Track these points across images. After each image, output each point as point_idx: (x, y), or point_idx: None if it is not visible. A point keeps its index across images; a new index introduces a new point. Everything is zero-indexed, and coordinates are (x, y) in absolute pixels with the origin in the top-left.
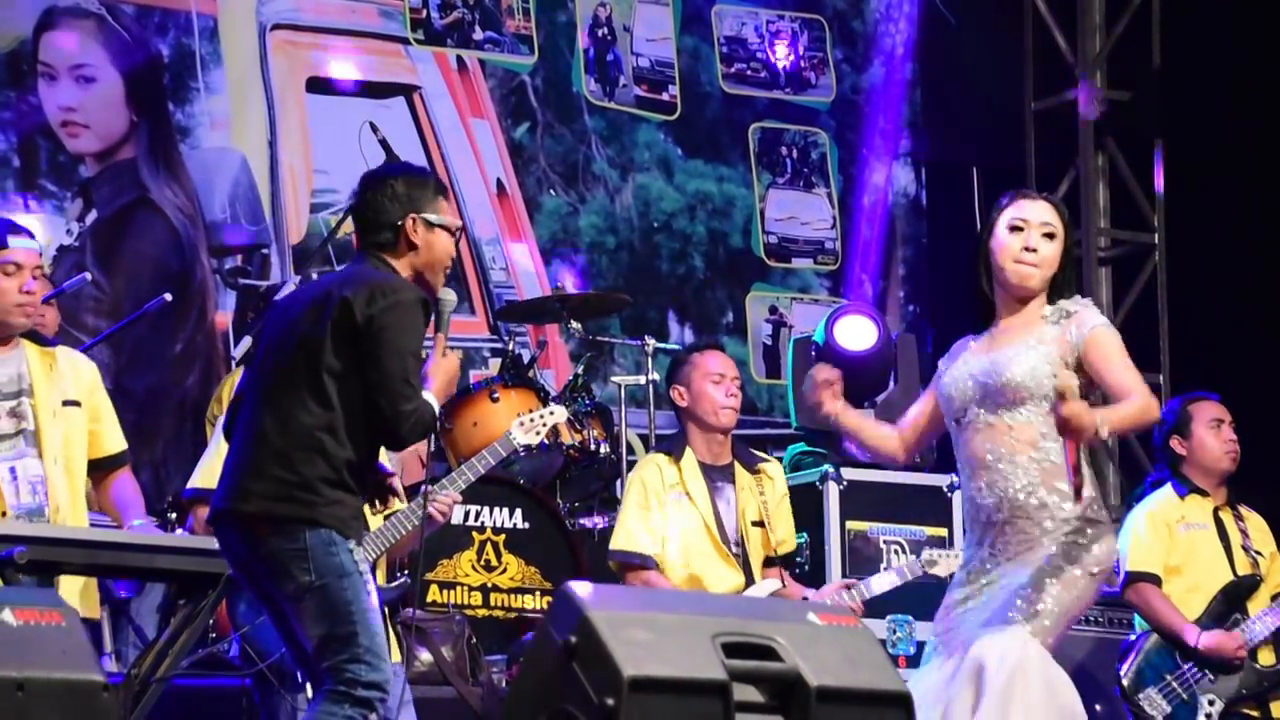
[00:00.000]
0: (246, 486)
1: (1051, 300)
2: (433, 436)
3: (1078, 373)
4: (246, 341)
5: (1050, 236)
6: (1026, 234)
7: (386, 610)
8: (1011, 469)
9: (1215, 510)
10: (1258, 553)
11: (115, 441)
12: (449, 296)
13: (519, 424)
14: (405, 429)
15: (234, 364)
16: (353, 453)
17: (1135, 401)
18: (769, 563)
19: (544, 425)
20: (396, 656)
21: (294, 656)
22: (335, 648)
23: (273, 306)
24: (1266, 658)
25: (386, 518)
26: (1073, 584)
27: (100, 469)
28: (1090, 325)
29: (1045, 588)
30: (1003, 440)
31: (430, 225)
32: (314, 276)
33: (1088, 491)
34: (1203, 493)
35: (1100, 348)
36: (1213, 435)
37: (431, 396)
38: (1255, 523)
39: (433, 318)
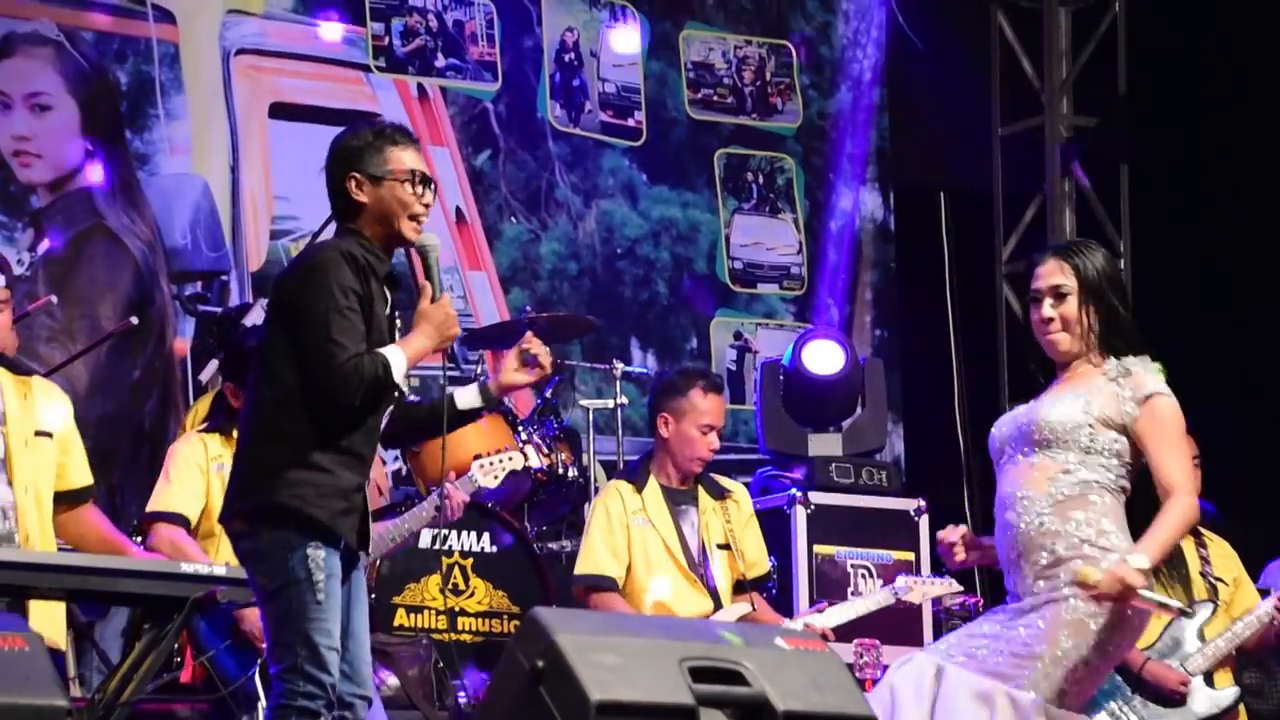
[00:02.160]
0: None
1: (1116, 353)
2: (402, 455)
3: (1123, 435)
4: (211, 366)
5: (1061, 295)
6: (1041, 304)
7: None
8: (1028, 504)
9: None
10: (1218, 579)
11: (83, 475)
12: (429, 241)
13: (479, 465)
14: (332, 387)
15: (204, 387)
16: (316, 426)
17: (1173, 512)
18: (739, 587)
19: (503, 470)
20: None
21: None
22: (278, 654)
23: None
24: (1223, 680)
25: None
26: (1084, 630)
27: (66, 502)
28: (1147, 391)
29: (1058, 640)
30: (1026, 477)
31: (376, 179)
32: None
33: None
34: None
35: (1154, 421)
36: None
37: (396, 350)
38: (1219, 549)
39: (420, 267)
